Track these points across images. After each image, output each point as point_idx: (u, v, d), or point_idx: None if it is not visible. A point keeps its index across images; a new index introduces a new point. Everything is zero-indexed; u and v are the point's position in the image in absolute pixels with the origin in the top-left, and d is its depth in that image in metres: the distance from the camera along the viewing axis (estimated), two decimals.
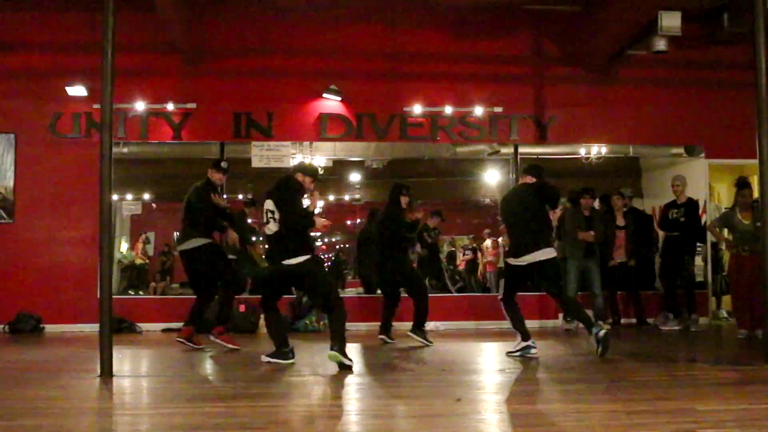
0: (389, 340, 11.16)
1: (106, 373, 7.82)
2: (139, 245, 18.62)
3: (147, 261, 18.63)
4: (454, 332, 12.75)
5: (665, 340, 11.73)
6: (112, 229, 9.24)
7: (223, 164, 10.93)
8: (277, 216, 8.64)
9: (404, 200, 11.17)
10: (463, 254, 19.74)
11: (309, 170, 9.16)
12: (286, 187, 8.83)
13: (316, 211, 8.94)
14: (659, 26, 12.51)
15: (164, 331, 13.06)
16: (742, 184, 11.91)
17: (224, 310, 10.61)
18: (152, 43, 13.58)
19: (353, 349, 10.10)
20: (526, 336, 9.43)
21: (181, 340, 10.54)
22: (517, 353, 9.37)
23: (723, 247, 13.16)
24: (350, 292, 15.76)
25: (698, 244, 13.83)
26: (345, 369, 8.21)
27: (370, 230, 14.16)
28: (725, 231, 12.32)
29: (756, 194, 11.26)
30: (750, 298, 11.63)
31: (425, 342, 10.88)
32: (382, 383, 7.76)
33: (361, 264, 15.51)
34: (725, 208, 13.47)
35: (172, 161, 15.95)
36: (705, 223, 13.64)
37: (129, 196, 17.07)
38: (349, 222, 20.45)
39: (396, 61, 14.23)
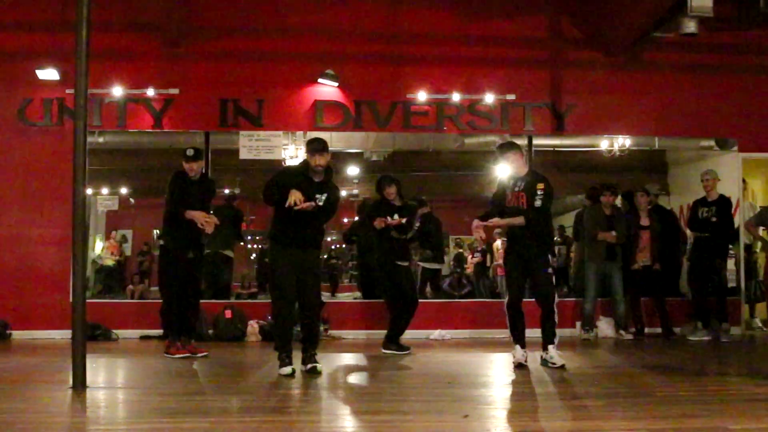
0: (401, 351, 11.14)
1: (79, 384, 7.82)
2: (110, 242, 18.65)
3: (117, 261, 18.67)
4: (461, 341, 12.77)
5: (693, 351, 11.74)
6: (87, 226, 9.20)
7: (189, 151, 10.93)
8: None
9: (390, 192, 11.34)
10: (472, 256, 19.73)
11: None
12: None
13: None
14: (689, 6, 12.47)
15: (142, 338, 13.07)
16: None
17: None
18: (131, 22, 13.59)
19: (352, 359, 10.12)
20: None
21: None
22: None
23: (758, 249, 13.13)
24: (345, 297, 15.80)
25: (730, 246, 13.82)
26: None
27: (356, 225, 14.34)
28: (761, 231, 12.34)
29: None
30: None
31: (402, 352, 11.10)
32: (380, 397, 7.77)
33: (361, 266, 15.55)
34: (760, 207, 13.46)
35: (152, 152, 15.97)
36: (738, 223, 13.64)
37: (105, 191, 17.14)
38: (346, 220, 20.43)
39: (399, 43, 14.23)
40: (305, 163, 9.14)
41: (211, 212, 10.96)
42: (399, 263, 11.35)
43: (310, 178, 8.98)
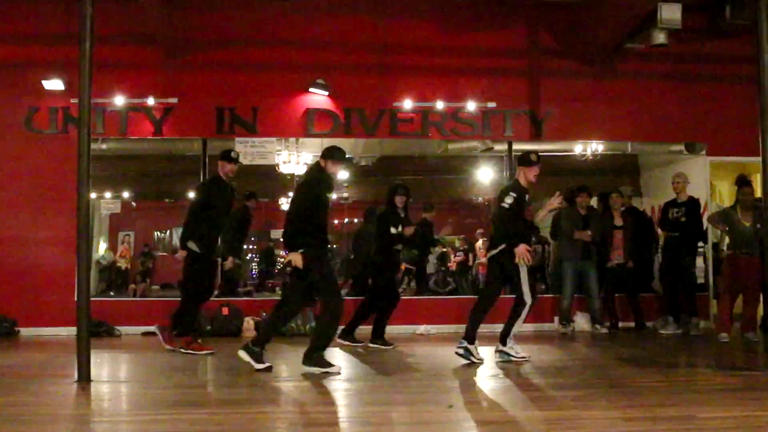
0: (386, 346, 11.22)
1: (84, 378, 7.81)
2: (123, 246, 18.70)
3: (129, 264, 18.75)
4: (446, 336, 12.76)
5: (665, 344, 11.76)
6: (91, 228, 9.20)
7: (233, 153, 10.91)
8: None
9: (400, 200, 11.46)
10: (455, 255, 19.74)
11: None
12: None
13: None
14: (659, 18, 12.53)
15: (144, 334, 13.03)
16: (743, 182, 11.93)
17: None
18: (132, 34, 13.54)
19: (339, 354, 10.11)
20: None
21: (184, 350, 10.54)
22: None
23: (724, 246, 13.12)
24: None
25: (700, 244, 13.84)
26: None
27: (365, 230, 14.28)
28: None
29: (758, 193, 11.33)
30: (750, 302, 11.75)
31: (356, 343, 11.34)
32: (371, 389, 7.77)
33: (353, 265, 15.54)
34: (723, 207, 13.48)
35: (152, 158, 15.94)
36: (707, 224, 13.65)
37: (108, 195, 17.07)
38: (336, 221, 20.42)
39: (386, 54, 14.22)
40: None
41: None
42: (395, 266, 11.81)
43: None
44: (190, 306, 10.66)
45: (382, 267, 11.58)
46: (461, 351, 9.37)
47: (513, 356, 9.48)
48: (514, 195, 9.58)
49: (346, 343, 11.31)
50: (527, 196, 9.74)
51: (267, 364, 8.66)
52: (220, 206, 10.63)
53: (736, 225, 11.72)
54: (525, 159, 9.89)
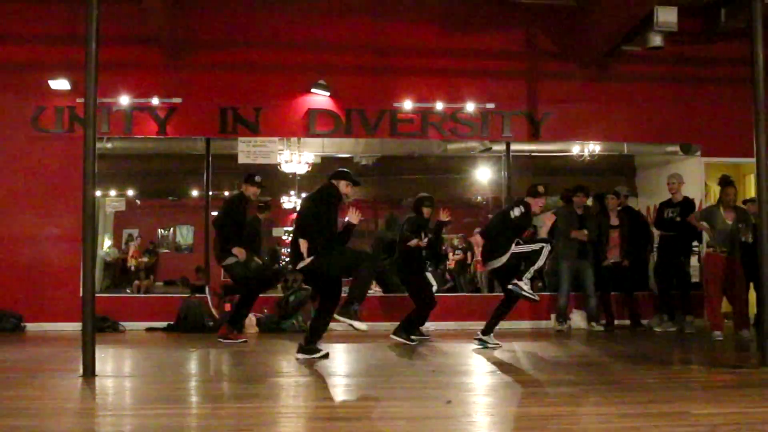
0: (409, 342, 11.18)
1: (89, 373, 7.80)
2: (134, 247, 18.76)
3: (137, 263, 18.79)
4: (444, 333, 12.76)
5: (659, 342, 11.76)
6: (96, 226, 9.20)
7: (257, 178, 11.63)
8: None
9: (426, 211, 11.71)
10: (454, 253, 19.73)
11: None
12: None
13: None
14: (655, 21, 12.54)
15: (147, 330, 13.05)
16: (726, 183, 11.95)
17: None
18: (137, 35, 13.55)
19: (341, 350, 10.10)
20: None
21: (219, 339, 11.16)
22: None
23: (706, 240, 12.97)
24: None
25: (694, 244, 13.85)
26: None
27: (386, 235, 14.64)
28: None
29: (751, 193, 11.33)
30: (736, 300, 11.78)
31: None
32: (369, 385, 7.77)
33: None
34: (707, 205, 13.46)
35: (156, 157, 15.97)
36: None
37: (113, 193, 17.09)
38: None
39: (386, 56, 14.24)
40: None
41: None
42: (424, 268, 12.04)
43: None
44: (242, 299, 11.43)
45: (410, 270, 11.70)
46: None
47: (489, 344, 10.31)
48: (523, 210, 10.07)
49: (400, 340, 11.17)
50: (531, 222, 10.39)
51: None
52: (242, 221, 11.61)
53: (719, 223, 11.75)
54: (532, 191, 10.29)
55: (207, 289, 12.20)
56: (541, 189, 10.18)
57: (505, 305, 10.55)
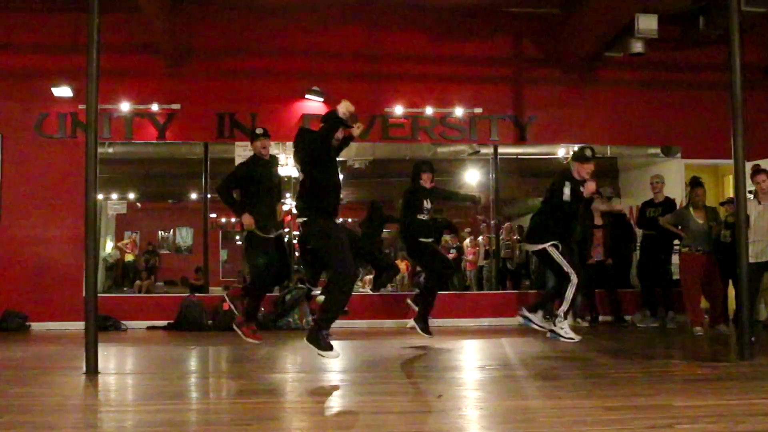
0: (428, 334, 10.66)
1: (92, 370, 7.79)
2: (131, 240, 18.72)
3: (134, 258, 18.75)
4: (435, 329, 12.75)
5: (642, 337, 11.76)
6: (98, 228, 9.18)
7: (258, 130, 10.15)
8: None
9: (427, 177, 10.59)
10: (447, 253, 19.73)
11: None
12: None
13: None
14: (636, 28, 12.60)
15: (149, 328, 13.04)
16: (696, 184, 12.01)
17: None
18: (137, 44, 13.55)
19: (336, 346, 10.08)
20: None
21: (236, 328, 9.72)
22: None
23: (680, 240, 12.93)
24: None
25: (675, 242, 13.88)
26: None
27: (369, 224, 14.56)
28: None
29: (730, 193, 11.36)
30: (714, 297, 11.83)
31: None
32: (364, 380, 7.76)
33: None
34: (678, 207, 13.49)
35: (156, 161, 15.93)
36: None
37: (114, 196, 17.04)
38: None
39: (378, 63, 14.26)
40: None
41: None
42: (424, 240, 10.53)
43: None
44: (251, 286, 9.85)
45: (420, 248, 10.55)
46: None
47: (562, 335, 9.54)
48: (570, 185, 9.25)
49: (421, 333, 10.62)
50: (580, 188, 9.29)
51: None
52: (261, 183, 9.78)
53: (691, 224, 11.80)
54: (580, 155, 9.56)
55: (226, 295, 10.73)
56: (588, 152, 9.45)
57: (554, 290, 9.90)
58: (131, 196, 18.85)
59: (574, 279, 9.31)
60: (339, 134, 8.27)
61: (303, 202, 7.92)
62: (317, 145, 7.97)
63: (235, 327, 9.64)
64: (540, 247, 9.48)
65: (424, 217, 10.44)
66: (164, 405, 6.32)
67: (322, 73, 14.06)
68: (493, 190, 14.91)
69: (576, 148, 14.61)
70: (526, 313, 9.60)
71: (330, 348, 7.56)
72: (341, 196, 8.23)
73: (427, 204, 10.47)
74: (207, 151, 14.00)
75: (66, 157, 13.30)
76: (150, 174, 18.04)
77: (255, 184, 9.69)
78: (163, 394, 6.87)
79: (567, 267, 9.32)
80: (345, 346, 10.62)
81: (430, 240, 10.62)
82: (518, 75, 14.70)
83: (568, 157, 14.83)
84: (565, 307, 9.59)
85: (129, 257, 18.82)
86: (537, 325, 9.43)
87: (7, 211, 13.46)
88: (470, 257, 18.79)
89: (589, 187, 9.31)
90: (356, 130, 8.58)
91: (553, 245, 9.38)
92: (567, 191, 9.20)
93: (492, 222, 15.85)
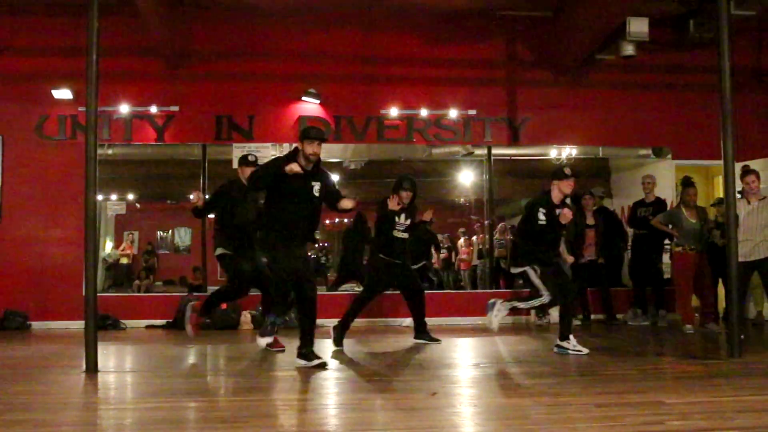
0: (433, 341, 10.65)
1: (92, 368, 7.79)
2: (126, 243, 18.72)
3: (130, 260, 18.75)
4: (429, 328, 12.74)
5: (634, 335, 11.76)
6: (97, 228, 9.17)
7: (251, 157, 9.92)
8: None
9: (406, 196, 10.34)
10: (439, 252, 19.75)
11: None
12: None
13: None
14: (627, 31, 12.61)
15: (147, 327, 13.03)
16: (687, 184, 12.02)
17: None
18: (136, 47, 13.51)
19: (330, 345, 10.07)
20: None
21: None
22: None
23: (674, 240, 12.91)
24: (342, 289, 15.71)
25: (666, 242, 13.88)
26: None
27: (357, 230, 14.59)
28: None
29: (720, 193, 11.36)
30: (705, 295, 11.84)
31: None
32: (359, 378, 7.76)
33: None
34: (670, 207, 13.49)
35: (155, 162, 15.93)
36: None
37: (114, 197, 17.02)
38: (327, 221, 20.44)
39: (373, 65, 14.24)
40: (296, 151, 8.20)
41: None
42: (395, 261, 10.38)
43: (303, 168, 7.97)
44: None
45: (382, 267, 10.39)
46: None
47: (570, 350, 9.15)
48: (544, 211, 9.10)
49: (423, 341, 10.63)
50: (557, 211, 9.09)
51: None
52: (237, 208, 9.60)
53: (684, 223, 11.81)
54: (559, 173, 9.32)
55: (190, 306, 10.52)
56: (567, 171, 9.22)
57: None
58: (130, 196, 18.81)
59: (546, 299, 9.18)
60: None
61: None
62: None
63: (188, 309, 9.72)
64: (520, 270, 9.42)
65: (399, 234, 10.37)
66: (162, 402, 6.32)
67: (318, 76, 14.04)
68: (487, 191, 14.94)
69: (567, 150, 14.79)
70: (559, 343, 9.38)
71: (318, 358, 8.13)
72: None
73: (401, 219, 10.35)
74: (205, 153, 13.97)
75: (66, 158, 13.27)
76: (149, 175, 18.02)
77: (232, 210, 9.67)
78: (162, 392, 6.87)
79: (544, 290, 9.15)
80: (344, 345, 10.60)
81: (397, 261, 10.43)
82: (511, 77, 14.68)
83: (560, 158, 14.90)
84: (522, 304, 9.62)
85: (125, 260, 18.81)
86: (573, 351, 9.18)
87: (7, 212, 13.43)
88: (464, 257, 18.82)
89: (566, 215, 9.10)
90: (349, 203, 8.55)
91: (532, 268, 9.26)
92: (542, 216, 9.06)
93: (486, 222, 15.87)
